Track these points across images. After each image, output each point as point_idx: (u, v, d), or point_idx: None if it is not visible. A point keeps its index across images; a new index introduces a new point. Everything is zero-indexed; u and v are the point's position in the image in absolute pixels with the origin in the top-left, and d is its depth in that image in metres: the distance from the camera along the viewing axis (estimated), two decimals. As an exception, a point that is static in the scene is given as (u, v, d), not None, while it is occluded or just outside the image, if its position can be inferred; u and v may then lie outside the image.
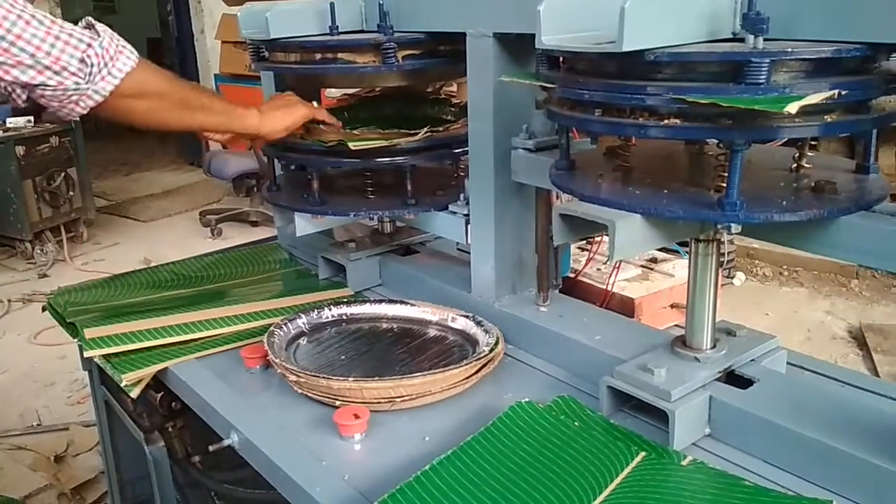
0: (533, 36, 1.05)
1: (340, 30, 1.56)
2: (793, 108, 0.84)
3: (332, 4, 1.54)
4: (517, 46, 1.33)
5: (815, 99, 0.87)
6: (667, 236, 1.08)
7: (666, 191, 1.05)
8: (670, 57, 0.92)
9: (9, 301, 4.59)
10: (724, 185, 0.97)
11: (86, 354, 1.48)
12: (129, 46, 1.34)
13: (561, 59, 1.11)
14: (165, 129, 1.50)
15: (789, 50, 0.89)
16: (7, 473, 2.90)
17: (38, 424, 3.27)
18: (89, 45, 1.26)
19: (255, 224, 5.84)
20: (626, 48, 0.89)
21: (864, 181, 1.07)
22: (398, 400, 1.22)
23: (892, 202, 1.02)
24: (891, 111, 0.98)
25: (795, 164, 1.12)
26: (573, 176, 1.17)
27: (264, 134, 1.56)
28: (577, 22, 1.04)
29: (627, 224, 1.02)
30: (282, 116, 1.57)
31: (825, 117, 0.93)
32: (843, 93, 0.90)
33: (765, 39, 0.90)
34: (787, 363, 1.28)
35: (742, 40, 0.93)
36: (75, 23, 1.31)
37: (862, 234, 1.00)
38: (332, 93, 2.25)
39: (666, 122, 0.94)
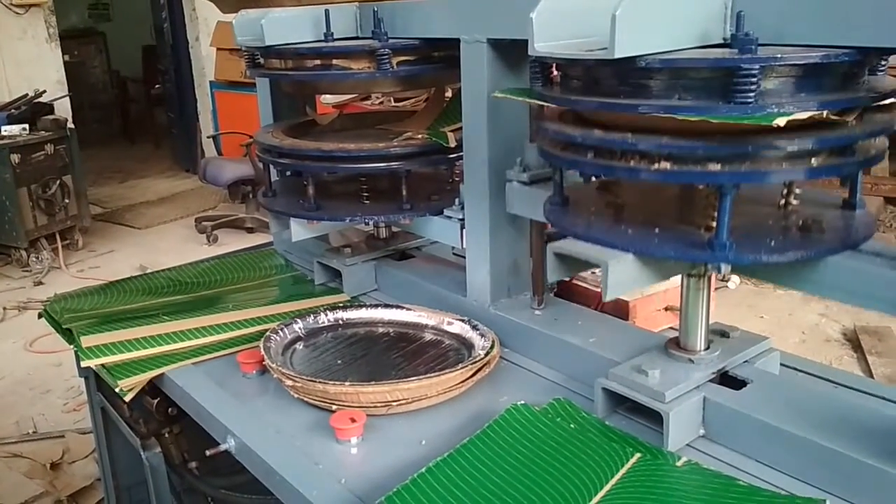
0: (526, 42, 1.05)
1: (335, 36, 1.57)
2: (781, 121, 0.86)
3: (326, 11, 1.55)
4: (511, 52, 1.35)
5: (802, 115, 0.88)
6: (659, 274, 1.10)
7: (657, 229, 1.07)
8: (662, 63, 0.93)
9: (4, 309, 4.58)
10: (715, 223, 0.99)
11: (83, 364, 1.48)
12: None
13: (554, 77, 1.12)
14: None
15: (777, 63, 0.91)
16: (3, 481, 2.89)
17: (33, 432, 3.26)
18: None
19: (250, 230, 5.84)
20: (618, 55, 0.91)
21: (851, 218, 1.09)
22: (394, 404, 1.22)
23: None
24: (875, 153, 1.00)
25: (784, 200, 1.14)
26: (567, 212, 1.18)
27: None
28: (570, 29, 1.04)
29: (620, 264, 1.04)
30: None
31: (811, 161, 0.94)
32: (827, 113, 0.91)
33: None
34: (781, 364, 1.29)
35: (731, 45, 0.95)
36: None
37: (848, 276, 1.02)
38: (328, 99, 2.26)
39: (656, 165, 0.96)
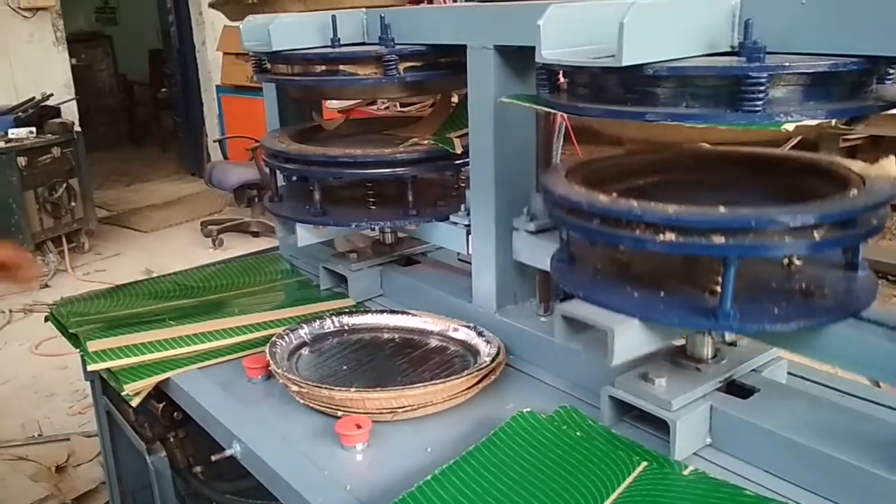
0: (533, 48, 1.06)
1: (342, 42, 1.57)
2: (789, 127, 0.86)
3: (333, 17, 1.55)
4: (517, 59, 1.35)
5: (811, 122, 0.88)
6: (664, 337, 1.11)
7: (662, 292, 1.07)
8: (670, 71, 0.93)
9: (10, 311, 4.59)
10: (719, 288, 1.00)
11: (89, 368, 1.49)
12: None
13: (561, 83, 1.12)
14: None
15: (786, 72, 0.90)
16: (8, 484, 2.90)
17: (38, 435, 3.26)
18: None
19: (255, 234, 5.85)
20: (626, 62, 0.91)
21: (853, 280, 1.10)
22: (400, 410, 1.22)
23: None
24: (878, 223, 1.00)
25: (787, 260, 1.14)
26: (573, 270, 1.19)
27: None
28: (578, 36, 1.04)
29: (626, 329, 1.05)
30: None
31: (814, 234, 0.94)
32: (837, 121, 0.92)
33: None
34: (788, 373, 1.28)
35: (739, 54, 0.95)
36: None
37: (850, 345, 1.03)
38: (333, 104, 2.26)
39: (662, 237, 0.96)
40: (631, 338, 1.06)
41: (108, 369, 1.47)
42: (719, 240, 0.94)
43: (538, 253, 1.36)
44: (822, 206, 0.95)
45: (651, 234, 0.97)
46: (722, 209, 0.93)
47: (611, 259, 1.20)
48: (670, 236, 0.96)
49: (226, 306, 1.71)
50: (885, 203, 0.98)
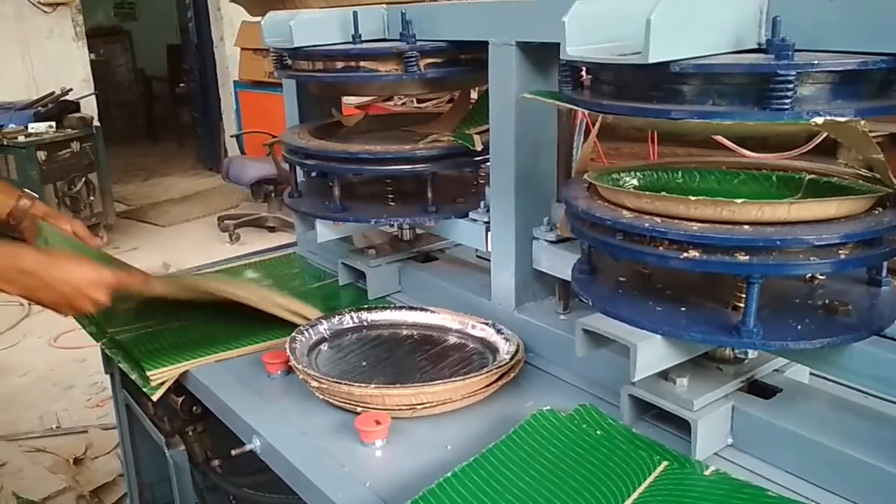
0: (556, 45, 1.05)
1: (363, 38, 1.57)
2: (818, 120, 0.85)
3: (354, 13, 1.55)
4: (540, 55, 1.34)
5: (840, 119, 0.87)
6: (686, 352, 1.11)
7: (684, 308, 1.08)
8: (696, 69, 0.92)
9: (29, 304, 4.64)
10: (742, 304, 1.00)
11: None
12: None
13: (584, 80, 1.11)
14: None
15: (814, 70, 0.90)
16: (26, 475, 2.93)
17: (57, 427, 3.30)
18: None
19: (272, 230, 5.87)
20: (652, 59, 0.90)
21: (877, 296, 1.10)
22: (419, 407, 1.22)
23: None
24: None
25: (810, 275, 1.14)
26: (595, 281, 1.18)
27: (49, 281, 1.31)
28: (603, 33, 1.04)
29: (648, 345, 1.05)
30: (76, 269, 1.33)
31: (839, 253, 0.94)
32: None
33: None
34: (810, 373, 1.27)
35: (766, 51, 0.94)
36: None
37: (872, 363, 1.03)
38: (351, 100, 2.26)
39: (685, 254, 0.96)
40: (653, 353, 1.06)
41: (129, 359, 1.47)
42: (743, 258, 0.94)
43: (559, 263, 1.37)
44: (848, 225, 0.95)
45: (675, 251, 0.97)
46: (747, 227, 0.93)
47: (633, 271, 1.19)
48: (694, 254, 0.96)
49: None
50: None
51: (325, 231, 1.75)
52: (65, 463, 2.99)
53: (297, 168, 1.80)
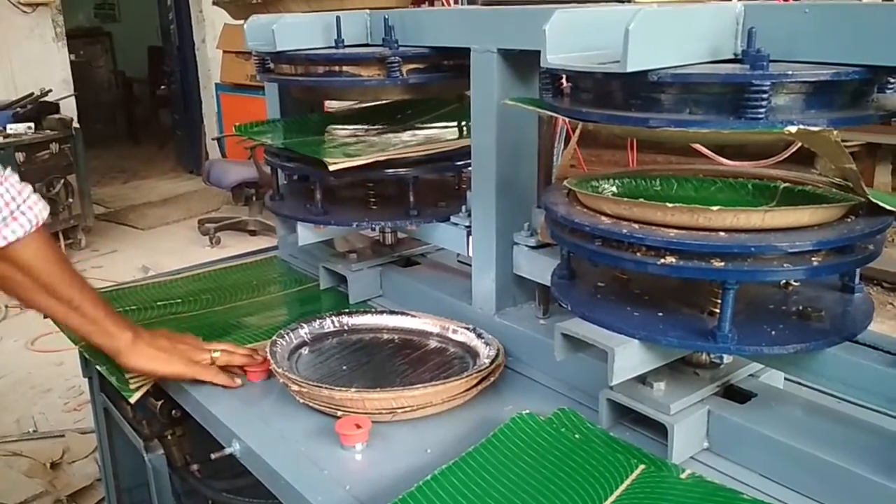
0: (537, 52, 1.06)
1: (346, 43, 1.58)
2: (792, 129, 0.88)
3: (337, 18, 1.56)
4: (521, 62, 1.35)
5: (813, 129, 0.89)
6: (662, 356, 1.13)
7: (661, 313, 1.09)
8: (674, 78, 0.94)
9: (6, 307, 4.59)
10: (717, 309, 1.02)
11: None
12: (30, 213, 1.26)
13: (564, 88, 1.12)
14: (23, 304, 1.39)
15: (788, 80, 0.91)
16: (2, 480, 2.90)
17: (34, 431, 3.26)
18: None
19: (253, 233, 5.85)
20: (631, 68, 0.91)
21: (850, 303, 1.12)
22: (399, 411, 1.23)
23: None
24: (875, 250, 1.02)
25: (784, 282, 1.16)
26: (573, 286, 1.20)
27: (121, 364, 1.38)
28: (583, 41, 1.05)
29: (626, 350, 1.07)
30: (153, 359, 1.38)
31: (812, 260, 0.96)
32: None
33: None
34: (785, 378, 1.29)
35: (742, 61, 0.96)
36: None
37: (845, 368, 1.06)
38: (333, 104, 2.27)
39: (663, 260, 0.98)
40: (630, 358, 1.08)
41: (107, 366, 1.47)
42: (719, 264, 0.95)
43: (539, 268, 1.38)
44: (821, 232, 0.97)
45: (652, 257, 0.99)
46: (722, 234, 0.95)
47: (611, 276, 1.21)
48: (671, 259, 0.97)
49: (230, 327, 1.63)
50: (881, 230, 1.00)
51: (307, 234, 1.75)
52: (42, 467, 2.97)
53: (279, 171, 1.80)
